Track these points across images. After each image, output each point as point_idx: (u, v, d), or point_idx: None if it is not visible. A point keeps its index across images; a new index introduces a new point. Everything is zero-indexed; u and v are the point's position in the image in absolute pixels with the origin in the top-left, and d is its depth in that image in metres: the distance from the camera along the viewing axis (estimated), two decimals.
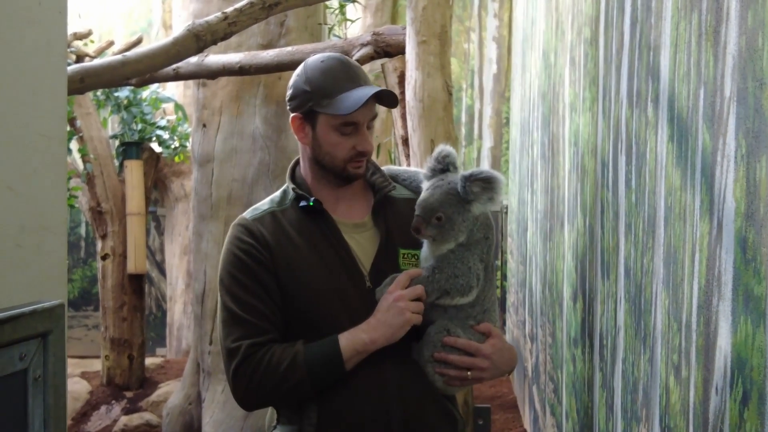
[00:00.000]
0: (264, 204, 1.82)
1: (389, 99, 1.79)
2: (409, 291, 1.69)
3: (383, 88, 1.80)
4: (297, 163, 1.86)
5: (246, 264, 1.72)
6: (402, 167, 2.10)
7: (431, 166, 1.78)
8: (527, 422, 4.53)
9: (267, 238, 1.73)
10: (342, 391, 1.69)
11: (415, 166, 2.99)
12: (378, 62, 3.63)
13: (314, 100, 1.73)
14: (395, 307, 1.67)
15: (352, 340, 1.67)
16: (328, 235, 1.75)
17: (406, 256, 1.78)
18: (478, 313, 1.79)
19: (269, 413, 1.83)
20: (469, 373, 1.75)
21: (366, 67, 3.92)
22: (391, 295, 1.69)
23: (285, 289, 1.72)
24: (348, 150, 1.75)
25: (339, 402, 1.69)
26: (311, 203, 1.75)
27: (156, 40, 7.61)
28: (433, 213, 1.71)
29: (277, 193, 1.84)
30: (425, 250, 1.79)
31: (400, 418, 1.70)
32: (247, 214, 1.80)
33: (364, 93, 1.73)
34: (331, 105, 1.72)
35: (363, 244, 1.78)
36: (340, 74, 1.76)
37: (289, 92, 1.79)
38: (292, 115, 1.77)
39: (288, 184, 1.82)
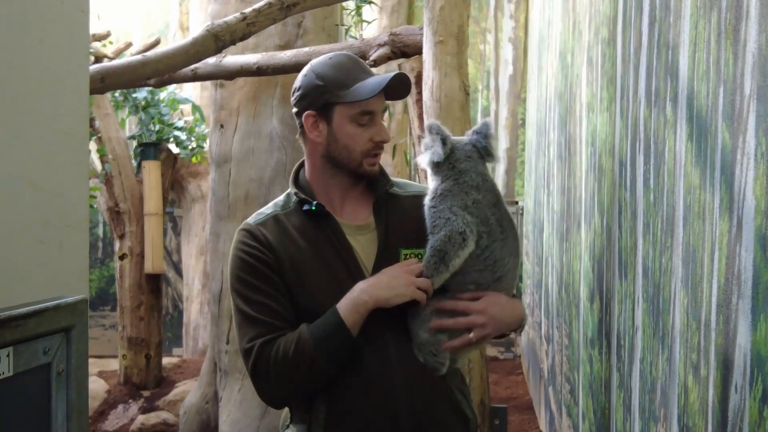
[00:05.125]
0: (268, 208, 1.83)
1: (404, 86, 1.79)
2: (417, 269, 1.70)
3: (399, 71, 1.80)
4: (301, 166, 1.87)
5: (252, 266, 1.73)
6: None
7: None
8: (543, 424, 4.51)
9: (271, 241, 1.74)
10: (350, 390, 1.69)
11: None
12: (395, 63, 3.64)
13: (330, 93, 1.73)
14: (404, 278, 1.68)
15: (352, 303, 1.66)
16: (332, 238, 1.75)
17: (407, 256, 1.76)
18: (487, 280, 1.74)
19: (284, 412, 1.84)
20: (471, 335, 1.72)
21: (382, 68, 3.93)
22: (402, 268, 1.70)
23: (289, 290, 1.72)
24: (365, 142, 1.75)
25: (347, 401, 1.69)
26: (313, 207, 1.75)
27: (173, 41, 7.65)
28: None
29: (281, 197, 1.85)
30: None
31: (408, 417, 1.69)
32: (251, 219, 1.81)
33: (381, 78, 1.75)
34: (349, 94, 1.73)
35: (365, 246, 1.78)
36: (352, 66, 1.78)
37: (297, 93, 1.78)
38: (305, 113, 1.76)
39: (291, 188, 1.82)
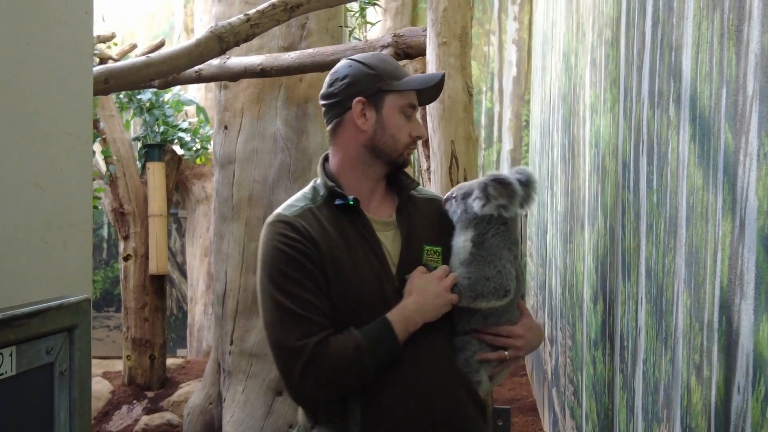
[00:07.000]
0: (299, 201, 1.81)
1: (438, 91, 1.89)
2: (448, 282, 1.76)
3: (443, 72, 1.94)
4: (325, 159, 1.87)
5: (295, 259, 1.70)
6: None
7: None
8: (546, 425, 4.51)
9: (312, 234, 1.73)
10: (386, 389, 1.71)
11: (435, 166, 2.99)
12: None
13: (383, 81, 1.79)
14: (445, 298, 1.75)
15: (404, 321, 1.71)
16: (364, 233, 1.77)
17: (429, 252, 1.82)
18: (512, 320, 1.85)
19: (301, 413, 1.82)
20: (506, 352, 1.82)
21: None
22: (441, 283, 1.75)
23: (328, 285, 1.72)
24: (406, 135, 1.81)
25: (383, 400, 1.71)
26: (350, 202, 1.77)
27: (178, 43, 7.67)
28: (451, 193, 1.87)
29: (307, 190, 1.84)
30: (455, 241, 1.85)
31: (440, 410, 1.74)
32: (286, 211, 1.78)
33: (431, 74, 1.87)
34: (402, 84, 1.80)
35: (391, 242, 1.81)
36: (394, 62, 1.88)
37: (342, 82, 1.80)
38: (354, 100, 1.78)
39: (324, 181, 1.82)
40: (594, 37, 2.70)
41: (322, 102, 1.84)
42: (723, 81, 1.22)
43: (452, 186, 2.90)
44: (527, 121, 7.40)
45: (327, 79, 1.84)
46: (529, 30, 7.45)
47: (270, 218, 1.79)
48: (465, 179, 2.91)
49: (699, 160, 1.34)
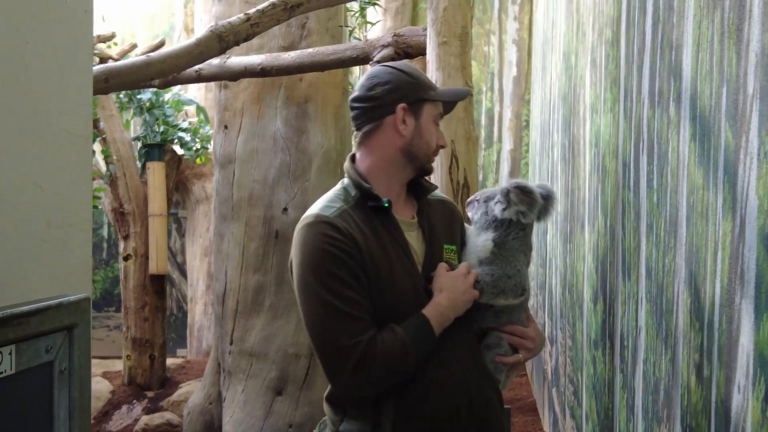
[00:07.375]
0: (334, 202, 1.82)
1: (455, 104, 1.99)
2: (472, 278, 1.82)
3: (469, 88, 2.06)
4: (351, 160, 1.89)
5: (341, 259, 1.72)
6: None
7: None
8: (547, 425, 4.51)
9: (354, 235, 1.75)
10: (417, 384, 1.76)
11: (435, 166, 2.99)
12: None
13: (423, 90, 1.86)
14: (471, 294, 1.82)
15: (439, 317, 1.77)
16: (394, 234, 1.81)
17: (447, 251, 1.89)
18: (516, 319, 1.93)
19: (327, 407, 1.84)
20: (520, 355, 1.91)
21: None
22: (466, 280, 1.82)
23: (369, 285, 1.75)
24: (435, 143, 1.90)
25: (415, 395, 1.76)
26: (385, 204, 1.80)
27: (178, 43, 7.66)
28: (473, 197, 1.96)
29: (339, 191, 1.85)
30: (470, 243, 1.94)
31: (470, 405, 1.80)
32: (324, 211, 1.78)
33: (460, 89, 2.03)
34: (438, 94, 1.89)
35: (415, 242, 1.86)
36: (425, 74, 1.98)
37: (384, 87, 1.82)
38: (399, 105, 1.82)
39: (357, 182, 1.83)
40: (594, 36, 2.70)
41: (357, 104, 1.85)
42: (723, 80, 1.22)
43: (452, 185, 2.91)
44: (527, 121, 7.40)
45: (364, 82, 1.86)
46: (530, 30, 7.45)
47: (307, 219, 1.79)
48: (465, 179, 2.91)
49: (699, 160, 1.33)
